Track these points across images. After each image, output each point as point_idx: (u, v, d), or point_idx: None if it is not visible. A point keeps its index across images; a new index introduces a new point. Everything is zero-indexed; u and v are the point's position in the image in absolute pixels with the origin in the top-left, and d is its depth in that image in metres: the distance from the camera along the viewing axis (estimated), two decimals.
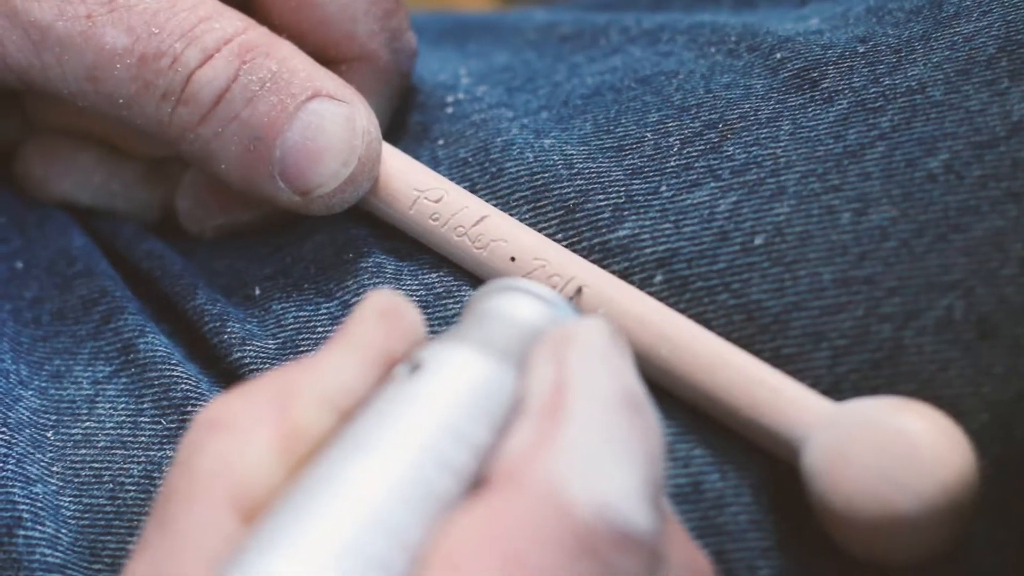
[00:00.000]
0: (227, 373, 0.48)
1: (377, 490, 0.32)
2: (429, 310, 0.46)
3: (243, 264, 0.51)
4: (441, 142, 0.51)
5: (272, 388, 0.35)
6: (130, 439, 0.46)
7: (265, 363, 0.47)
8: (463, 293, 0.46)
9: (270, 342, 0.48)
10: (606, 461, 0.33)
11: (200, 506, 0.33)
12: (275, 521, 0.32)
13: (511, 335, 0.37)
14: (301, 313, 0.48)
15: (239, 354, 0.47)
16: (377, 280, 0.47)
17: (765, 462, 0.42)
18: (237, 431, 0.34)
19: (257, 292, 0.50)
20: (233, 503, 0.33)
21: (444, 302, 0.47)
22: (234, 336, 0.48)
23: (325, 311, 0.48)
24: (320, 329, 0.48)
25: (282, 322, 0.48)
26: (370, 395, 0.35)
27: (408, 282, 0.47)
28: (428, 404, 0.34)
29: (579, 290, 0.44)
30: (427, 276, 0.47)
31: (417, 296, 0.47)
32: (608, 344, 0.36)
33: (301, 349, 0.47)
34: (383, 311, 0.37)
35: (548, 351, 0.36)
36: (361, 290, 0.47)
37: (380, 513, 0.32)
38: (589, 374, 0.35)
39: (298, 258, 0.50)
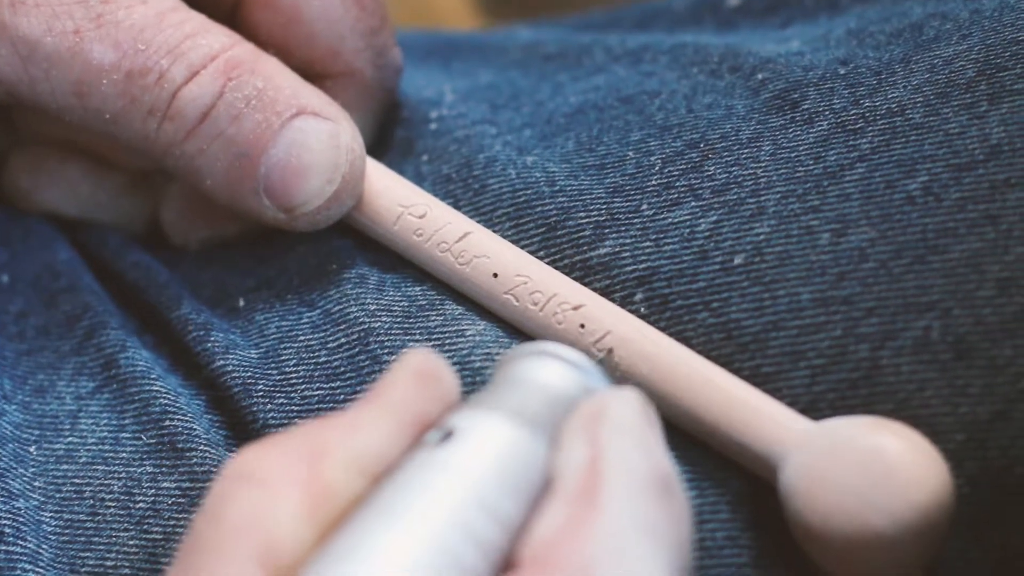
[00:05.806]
0: (209, 381, 0.48)
1: (403, 561, 0.32)
2: (411, 321, 0.47)
3: (228, 276, 0.51)
4: (425, 158, 0.51)
5: (304, 445, 0.34)
6: (111, 455, 0.47)
7: (247, 371, 0.47)
8: (446, 307, 0.47)
9: (252, 351, 0.48)
10: (638, 550, 0.32)
11: (229, 559, 0.32)
12: None
13: (543, 403, 0.37)
14: (283, 323, 0.48)
15: (221, 362, 0.47)
16: (360, 291, 0.48)
17: (743, 479, 0.42)
18: (268, 487, 0.33)
19: (241, 303, 0.50)
20: (262, 560, 0.32)
21: (427, 314, 0.47)
22: (217, 345, 0.48)
23: (307, 320, 0.48)
24: (302, 338, 0.48)
25: (264, 332, 0.49)
26: (400, 459, 0.35)
27: (391, 293, 0.48)
28: (458, 475, 0.34)
29: (609, 351, 0.43)
30: (411, 288, 0.48)
31: (400, 307, 0.47)
32: (640, 420, 0.36)
33: (283, 358, 0.47)
34: (421, 374, 0.36)
35: (581, 428, 0.35)
36: (344, 299, 0.48)
37: None
38: (622, 455, 0.34)
39: (282, 270, 0.50)
